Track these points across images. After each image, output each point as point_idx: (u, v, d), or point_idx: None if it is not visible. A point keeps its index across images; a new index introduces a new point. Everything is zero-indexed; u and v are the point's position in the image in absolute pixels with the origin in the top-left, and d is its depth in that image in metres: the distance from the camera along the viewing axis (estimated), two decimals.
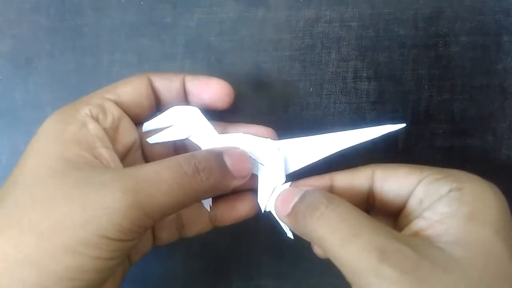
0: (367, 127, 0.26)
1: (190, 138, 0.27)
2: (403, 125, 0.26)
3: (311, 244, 0.27)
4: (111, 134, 0.25)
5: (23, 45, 0.32)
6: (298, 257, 0.33)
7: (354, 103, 0.32)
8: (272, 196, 0.27)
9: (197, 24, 0.32)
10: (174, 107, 0.27)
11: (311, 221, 0.22)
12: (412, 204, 0.24)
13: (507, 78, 0.32)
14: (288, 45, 0.32)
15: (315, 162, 0.27)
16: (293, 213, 0.24)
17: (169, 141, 0.28)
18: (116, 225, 0.20)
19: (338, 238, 0.21)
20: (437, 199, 0.23)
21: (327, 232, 0.22)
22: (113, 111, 0.25)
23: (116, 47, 0.32)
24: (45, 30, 0.32)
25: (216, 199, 0.29)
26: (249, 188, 0.28)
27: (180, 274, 0.33)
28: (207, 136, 0.27)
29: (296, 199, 0.24)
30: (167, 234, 0.28)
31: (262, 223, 0.32)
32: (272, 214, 0.27)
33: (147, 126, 0.28)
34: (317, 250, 0.27)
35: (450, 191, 0.22)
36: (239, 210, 0.29)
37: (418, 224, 0.22)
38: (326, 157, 0.27)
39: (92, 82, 0.27)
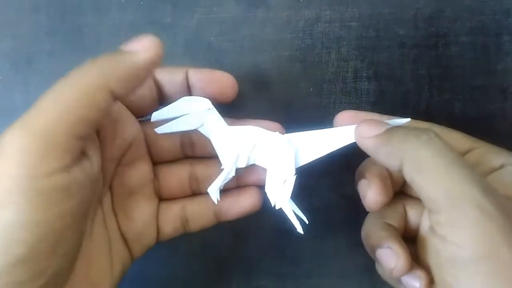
0: None
1: (199, 129, 0.27)
2: (408, 119, 0.26)
3: (375, 264, 0.27)
4: (109, 131, 0.25)
5: (23, 45, 0.32)
6: (298, 257, 0.33)
7: (354, 103, 0.32)
8: (281, 188, 0.27)
9: (197, 24, 0.32)
10: (185, 97, 0.27)
11: (415, 141, 0.22)
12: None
13: (507, 78, 0.32)
14: (288, 45, 0.32)
15: (324, 156, 0.27)
16: (388, 134, 0.23)
17: (176, 132, 0.27)
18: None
19: (443, 161, 0.21)
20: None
21: (430, 154, 0.22)
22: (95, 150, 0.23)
23: (116, 47, 0.32)
24: (45, 30, 0.32)
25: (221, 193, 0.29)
26: (253, 183, 0.28)
27: (180, 274, 0.33)
28: (216, 128, 0.27)
29: (383, 128, 0.24)
30: (171, 229, 0.28)
31: (263, 222, 0.32)
32: (276, 211, 0.27)
33: (156, 115, 0.27)
34: (381, 271, 0.26)
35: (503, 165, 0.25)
36: (243, 204, 0.28)
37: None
38: (335, 151, 0.27)
39: None
